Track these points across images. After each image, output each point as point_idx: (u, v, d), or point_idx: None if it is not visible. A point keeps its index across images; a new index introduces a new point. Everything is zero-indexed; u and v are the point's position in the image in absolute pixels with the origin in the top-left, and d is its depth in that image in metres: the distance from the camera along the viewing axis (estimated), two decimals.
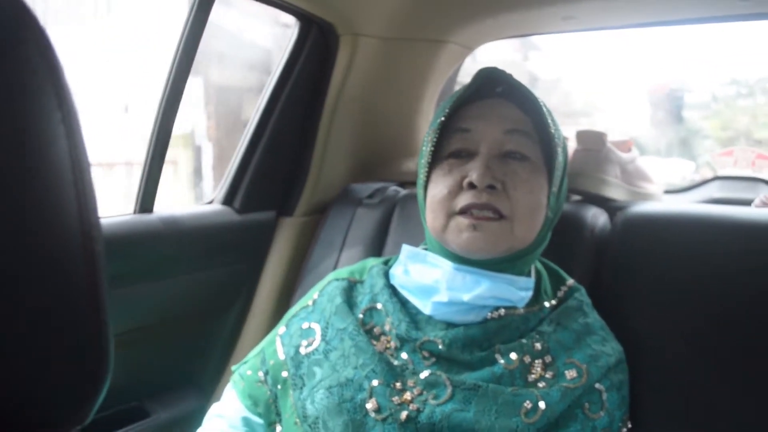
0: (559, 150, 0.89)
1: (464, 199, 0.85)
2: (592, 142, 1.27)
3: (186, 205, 1.44)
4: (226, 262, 1.46)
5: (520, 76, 0.90)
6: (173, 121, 1.29)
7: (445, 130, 0.91)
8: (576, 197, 1.30)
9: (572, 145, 1.31)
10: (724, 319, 0.96)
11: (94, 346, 0.39)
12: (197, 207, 1.46)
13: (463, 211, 0.85)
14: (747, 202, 1.24)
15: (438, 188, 0.88)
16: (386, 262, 1.01)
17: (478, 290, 0.85)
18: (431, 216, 0.89)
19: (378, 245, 1.36)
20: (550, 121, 0.88)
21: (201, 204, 1.50)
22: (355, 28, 1.45)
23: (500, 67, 0.89)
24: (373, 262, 1.01)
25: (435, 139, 0.89)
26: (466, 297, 0.85)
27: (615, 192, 1.26)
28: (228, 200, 1.48)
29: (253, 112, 1.50)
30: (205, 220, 1.40)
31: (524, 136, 0.89)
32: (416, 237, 1.05)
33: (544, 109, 0.88)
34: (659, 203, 1.27)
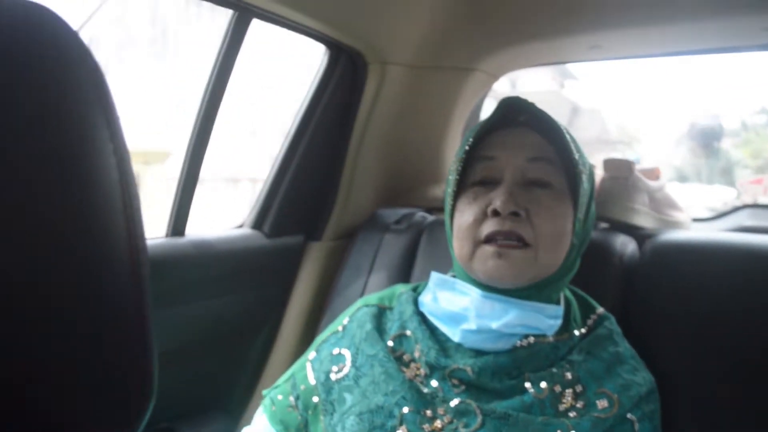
0: (584, 177, 0.89)
1: (489, 227, 0.86)
2: (620, 169, 1.27)
3: (216, 229, 1.46)
4: (255, 285, 1.47)
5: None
6: (206, 146, 1.31)
7: (470, 159, 0.92)
8: (604, 225, 1.30)
9: (599, 173, 1.32)
10: (755, 349, 0.95)
11: (141, 367, 0.40)
12: (227, 231, 1.48)
13: (489, 239, 0.86)
14: None
15: (464, 217, 0.89)
16: (415, 289, 1.02)
17: (507, 318, 0.85)
18: (458, 244, 0.90)
19: (405, 271, 1.37)
20: (573, 148, 0.88)
21: (231, 228, 1.52)
22: (384, 57, 1.48)
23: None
24: (402, 289, 1.02)
25: (460, 168, 0.91)
26: (494, 325, 0.85)
27: (643, 220, 1.26)
28: (258, 224, 1.50)
29: (282, 138, 1.53)
30: (235, 244, 1.42)
31: (547, 164, 0.90)
32: (443, 263, 1.06)
33: (567, 137, 0.89)
34: (688, 231, 1.26)
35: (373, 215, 1.55)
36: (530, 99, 0.90)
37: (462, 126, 1.78)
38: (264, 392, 1.02)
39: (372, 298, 1.03)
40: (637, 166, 1.29)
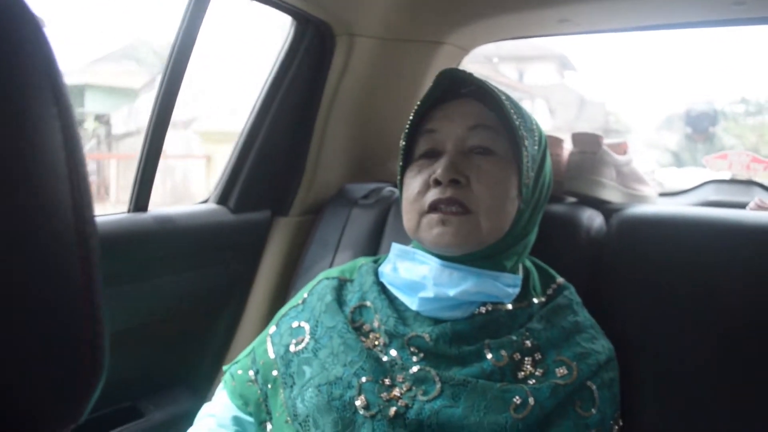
0: (527, 142, 0.89)
1: (431, 196, 0.88)
2: (588, 144, 1.27)
3: (180, 205, 1.44)
4: (221, 261, 1.45)
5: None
6: (168, 122, 1.28)
7: (415, 134, 0.95)
8: (571, 199, 1.30)
9: (568, 147, 1.31)
10: (719, 320, 0.97)
11: (89, 343, 0.38)
12: (192, 206, 1.45)
13: (432, 208, 0.87)
14: (741, 205, 1.24)
15: (410, 189, 0.91)
16: (376, 261, 1.03)
17: (464, 286, 0.86)
18: (406, 217, 0.92)
19: (373, 246, 1.36)
20: (514, 113, 0.88)
21: (195, 203, 1.49)
22: (352, 29, 1.45)
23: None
24: (363, 261, 1.03)
25: (405, 143, 0.94)
26: (452, 292, 0.86)
27: (610, 194, 1.26)
28: (223, 199, 1.48)
29: (248, 112, 1.50)
30: (199, 220, 1.40)
31: (487, 130, 0.91)
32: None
33: (507, 103, 0.88)
34: (654, 205, 1.27)
35: (340, 190, 1.54)
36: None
37: None
38: (224, 368, 1.03)
39: (333, 271, 1.04)
40: (605, 141, 1.29)
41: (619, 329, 0.97)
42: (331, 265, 1.37)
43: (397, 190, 1.51)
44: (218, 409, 0.98)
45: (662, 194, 1.49)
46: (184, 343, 1.44)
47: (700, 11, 1.39)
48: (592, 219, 1.16)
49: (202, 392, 1.44)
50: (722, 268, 1.00)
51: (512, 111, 0.88)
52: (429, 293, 0.87)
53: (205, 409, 1.01)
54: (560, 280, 0.97)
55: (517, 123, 0.88)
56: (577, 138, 1.30)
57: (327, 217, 1.48)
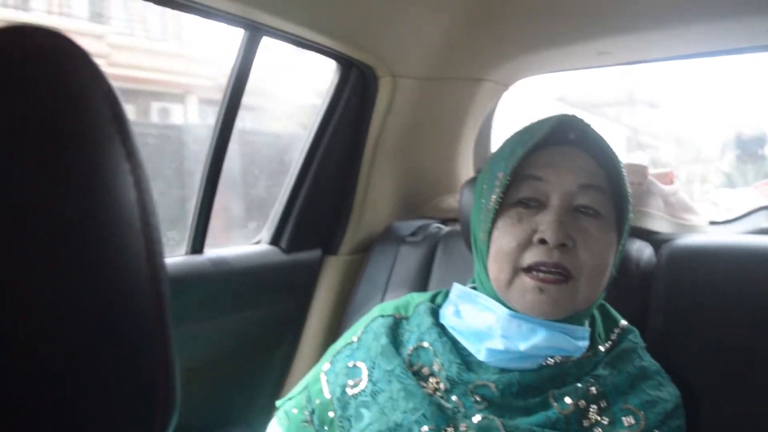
0: (630, 206, 0.86)
1: (533, 256, 0.81)
2: (634, 175, 1.27)
3: (234, 246, 1.48)
4: (274, 301, 1.48)
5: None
6: (222, 163, 1.33)
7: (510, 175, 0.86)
8: None
9: None
10: None
11: (163, 383, 0.41)
12: (245, 247, 1.49)
13: (530, 268, 0.82)
14: None
15: (506, 239, 0.83)
16: (433, 299, 0.99)
17: (535, 340, 0.82)
18: (496, 267, 0.85)
19: (422, 283, 1.37)
20: (624, 176, 0.85)
21: (249, 244, 1.53)
22: (394, 70, 1.49)
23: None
24: (419, 299, 0.99)
25: (506, 185, 0.84)
26: (522, 347, 0.81)
27: (659, 225, 1.25)
28: (275, 240, 1.52)
29: (297, 154, 1.54)
30: (252, 261, 1.43)
31: (598, 192, 0.84)
32: (460, 274, 1.06)
33: (620, 162, 0.85)
34: (704, 235, 1.26)
35: (388, 228, 1.56)
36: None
37: (474, 136, 1.79)
38: (278, 403, 1.00)
39: (387, 307, 0.99)
40: (651, 171, 1.29)
41: (672, 365, 0.95)
42: (381, 303, 1.38)
43: (443, 227, 1.53)
44: None
45: (713, 222, 1.47)
46: (239, 383, 1.46)
47: (735, 40, 1.39)
48: (641, 251, 1.15)
49: (258, 430, 1.45)
50: None
51: (624, 174, 0.85)
52: (497, 345, 0.83)
53: None
54: (623, 323, 0.93)
55: (627, 188, 0.85)
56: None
57: (376, 255, 1.50)
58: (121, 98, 0.40)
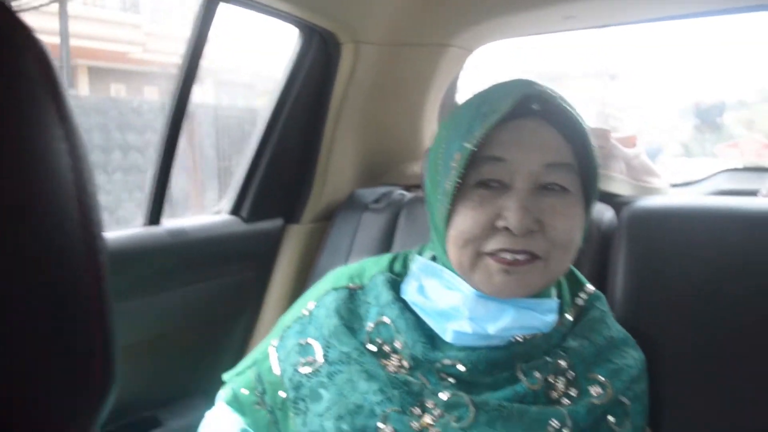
0: (598, 179, 0.82)
1: (497, 243, 0.75)
2: (597, 138, 1.26)
3: (193, 217, 1.45)
4: (235, 271, 1.46)
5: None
6: (179, 134, 1.30)
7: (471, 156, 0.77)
8: None
9: None
10: (734, 310, 0.95)
11: (100, 355, 0.39)
12: (205, 218, 1.47)
13: (494, 254, 0.76)
14: (753, 193, 1.23)
15: (467, 224, 0.76)
16: (390, 267, 0.92)
17: (503, 322, 0.78)
18: (456, 252, 0.78)
19: (385, 249, 1.36)
20: (594, 148, 0.79)
21: (208, 214, 1.51)
22: (357, 36, 1.46)
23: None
24: (375, 268, 0.92)
25: (464, 166, 0.76)
26: (491, 329, 0.78)
27: (620, 187, 1.26)
28: (235, 210, 1.50)
29: (258, 122, 1.52)
30: (212, 231, 1.41)
31: (565, 169, 0.78)
32: (423, 240, 1.04)
33: (588, 135, 0.78)
34: (665, 197, 1.26)
35: (351, 195, 1.55)
36: None
37: (438, 102, 1.77)
38: (225, 378, 0.96)
39: (341, 277, 0.93)
40: (613, 134, 1.28)
41: (632, 322, 0.95)
42: None
43: (407, 193, 1.51)
44: (225, 423, 0.91)
45: (674, 185, 1.48)
46: (200, 353, 1.45)
47: (704, 2, 1.38)
48: (603, 213, 1.15)
49: None
50: (736, 255, 0.98)
51: (593, 148, 0.79)
52: (465, 327, 0.79)
53: (210, 422, 0.94)
54: (590, 287, 0.90)
55: (597, 161, 0.80)
56: None
57: (338, 222, 1.48)
58: (54, 61, 0.38)
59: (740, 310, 0.95)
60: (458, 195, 0.77)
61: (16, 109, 0.35)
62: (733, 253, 0.99)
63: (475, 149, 0.74)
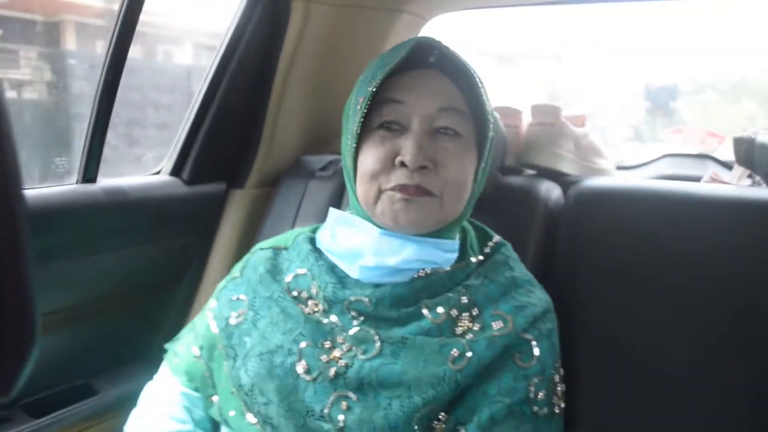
0: (491, 126, 0.89)
1: (395, 178, 0.84)
2: (547, 115, 1.27)
3: (131, 176, 1.39)
4: (175, 234, 1.42)
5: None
6: (116, 88, 1.23)
7: (373, 99, 0.87)
8: (529, 171, 1.30)
9: (527, 119, 1.31)
10: (672, 288, 0.99)
11: (17, 319, 0.36)
12: (143, 178, 1.41)
13: (393, 190, 0.84)
14: (696, 179, 1.26)
15: (369, 161, 0.86)
16: (314, 231, 1.01)
17: (404, 254, 0.85)
18: (362, 189, 0.87)
19: None
20: (485, 96, 0.87)
21: (147, 174, 1.45)
22: None
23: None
24: (298, 231, 1.02)
25: (366, 108, 0.85)
26: (392, 261, 0.85)
27: (568, 166, 1.27)
28: (176, 171, 1.44)
29: (201, 81, 1.45)
30: (152, 192, 1.36)
31: (457, 114, 0.87)
32: None
33: (479, 84, 0.87)
34: (611, 178, 1.28)
35: (297, 161, 1.52)
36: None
37: None
38: (166, 345, 1.03)
39: (267, 242, 1.02)
40: (563, 113, 1.29)
41: (576, 298, 0.97)
42: None
43: None
44: (165, 387, 0.98)
45: (620, 167, 1.51)
46: (138, 319, 1.41)
47: None
48: (550, 191, 1.17)
49: (158, 369, 1.41)
50: (677, 239, 1.01)
51: (484, 94, 0.87)
52: (369, 261, 0.86)
53: (150, 387, 1.01)
54: (497, 238, 0.97)
55: (487, 107, 0.87)
56: (536, 109, 1.30)
57: (284, 189, 1.45)
58: None
59: (677, 287, 0.98)
60: (363, 137, 0.87)
61: None
62: (673, 236, 1.02)
63: (375, 90, 0.84)
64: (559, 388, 0.87)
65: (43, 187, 1.19)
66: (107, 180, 1.29)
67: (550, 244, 1.10)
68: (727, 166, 1.41)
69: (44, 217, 1.14)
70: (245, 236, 1.50)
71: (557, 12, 1.74)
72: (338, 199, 1.36)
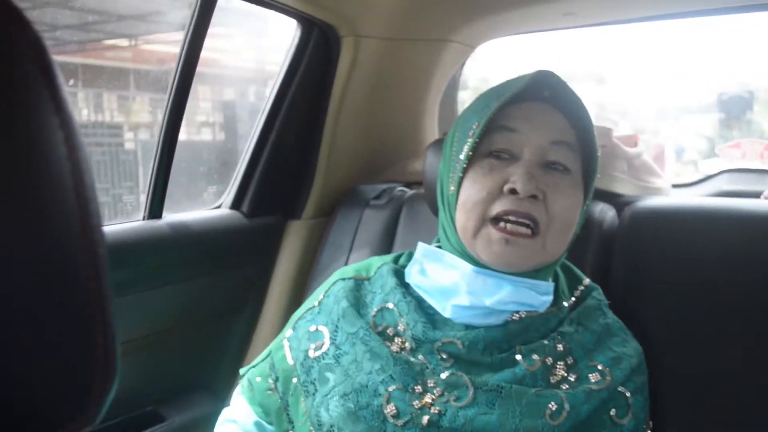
0: (597, 166, 0.88)
1: (503, 205, 0.81)
2: (598, 137, 1.26)
3: (194, 211, 1.45)
4: (236, 265, 1.46)
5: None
6: (179, 127, 1.29)
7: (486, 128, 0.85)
8: None
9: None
10: (736, 310, 0.96)
11: (101, 349, 0.39)
12: (205, 212, 1.46)
13: (498, 218, 0.81)
14: (756, 194, 1.23)
15: (475, 188, 0.83)
16: (396, 260, 0.98)
17: (500, 295, 0.82)
18: (464, 217, 0.84)
19: (386, 246, 1.36)
20: (594, 134, 0.86)
21: (209, 209, 1.50)
22: (357, 30, 1.46)
23: None
24: (380, 261, 0.98)
25: (480, 135, 0.84)
26: (488, 301, 0.82)
27: (622, 187, 1.26)
28: (236, 204, 1.49)
29: (258, 116, 1.51)
30: (213, 225, 1.40)
31: (569, 149, 0.85)
32: (424, 237, 1.05)
33: (590, 121, 0.86)
34: (667, 198, 1.26)
35: (352, 191, 1.54)
36: None
37: (439, 98, 1.77)
38: (241, 371, 1.00)
39: (348, 270, 0.99)
40: (615, 133, 1.28)
41: (635, 322, 0.96)
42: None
43: (408, 190, 1.51)
44: (239, 415, 0.96)
45: (675, 185, 1.48)
46: (202, 348, 1.44)
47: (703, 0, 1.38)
48: (605, 213, 1.16)
49: (221, 396, 1.45)
50: (737, 256, 0.99)
51: (594, 132, 0.86)
52: (463, 301, 0.83)
53: (226, 414, 0.99)
54: (587, 281, 0.94)
55: (596, 148, 0.86)
56: None
57: (339, 218, 1.48)
58: (49, 48, 0.38)
59: (741, 307, 0.96)
60: (470, 165, 0.85)
61: (8, 99, 0.34)
62: (733, 253, 0.99)
63: (490, 116, 0.83)
64: None
65: (113, 223, 1.25)
66: (172, 215, 1.35)
67: (606, 268, 1.09)
68: None
69: (114, 253, 1.19)
70: (303, 266, 1.52)
71: (600, 32, 1.74)
72: (393, 228, 1.38)
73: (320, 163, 1.55)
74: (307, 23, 1.45)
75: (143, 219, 1.31)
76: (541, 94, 0.87)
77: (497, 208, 0.81)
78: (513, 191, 0.81)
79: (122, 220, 1.30)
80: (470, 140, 0.84)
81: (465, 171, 0.85)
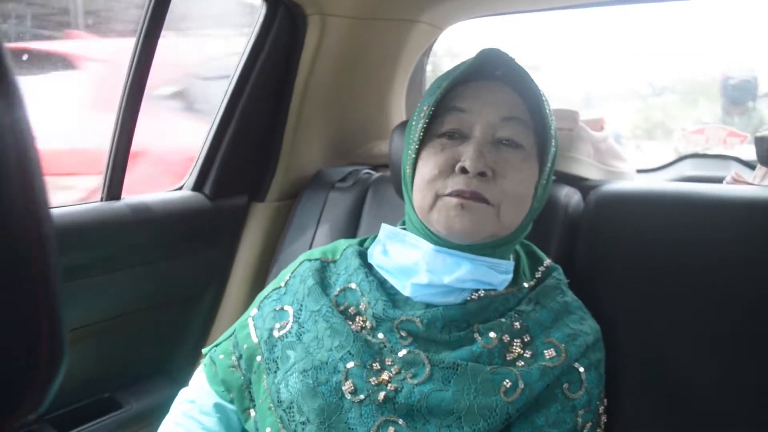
0: (553, 141, 0.88)
1: (454, 184, 0.83)
2: (564, 120, 1.26)
3: (155, 192, 1.41)
4: (198, 248, 1.44)
5: None
6: (139, 106, 1.26)
7: (436, 108, 0.88)
8: None
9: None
10: (696, 292, 0.97)
11: (46, 335, 0.37)
12: (167, 194, 1.43)
13: (450, 195, 0.83)
14: (719, 180, 1.24)
15: (428, 167, 0.86)
16: (361, 243, 1.00)
17: (459, 273, 0.83)
18: (419, 195, 0.87)
19: (351, 229, 1.35)
20: (548, 109, 0.87)
21: (170, 190, 1.47)
22: (323, 8, 1.43)
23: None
24: (346, 243, 1.00)
25: (430, 115, 0.87)
26: (446, 279, 0.83)
27: (588, 171, 1.26)
28: (198, 186, 1.46)
29: (221, 96, 1.47)
30: (175, 207, 1.38)
31: (520, 124, 0.87)
32: (390, 220, 1.04)
33: (543, 97, 0.87)
34: (632, 182, 1.27)
35: (317, 174, 1.53)
36: None
37: (407, 81, 1.75)
38: (204, 350, 1.00)
39: (315, 252, 1.00)
40: (581, 117, 1.28)
41: (597, 304, 0.97)
42: (310, 249, 1.36)
43: (374, 173, 1.50)
44: (198, 396, 0.96)
45: (640, 170, 1.50)
46: (162, 333, 1.42)
47: None
48: (570, 196, 1.16)
49: (182, 381, 1.41)
50: (699, 242, 1.00)
51: (547, 107, 0.87)
52: (422, 279, 0.84)
53: (183, 395, 0.98)
54: (548, 261, 0.96)
55: (549, 121, 0.87)
56: (553, 114, 1.29)
57: (304, 201, 1.46)
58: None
59: (701, 290, 0.97)
60: (424, 145, 0.88)
61: None
62: (695, 237, 1.01)
63: (439, 99, 0.86)
64: (603, 419, 0.86)
65: (69, 205, 1.22)
66: (131, 197, 1.31)
67: (571, 250, 1.09)
68: (750, 166, 1.40)
69: (70, 235, 1.16)
70: (266, 249, 1.51)
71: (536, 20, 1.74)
72: (358, 211, 1.37)
73: (285, 145, 1.53)
74: (272, 1, 1.42)
75: (101, 200, 1.27)
76: (493, 74, 0.89)
77: (449, 186, 0.83)
78: (463, 170, 0.83)
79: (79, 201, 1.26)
80: (422, 121, 0.87)
81: (418, 152, 0.88)
